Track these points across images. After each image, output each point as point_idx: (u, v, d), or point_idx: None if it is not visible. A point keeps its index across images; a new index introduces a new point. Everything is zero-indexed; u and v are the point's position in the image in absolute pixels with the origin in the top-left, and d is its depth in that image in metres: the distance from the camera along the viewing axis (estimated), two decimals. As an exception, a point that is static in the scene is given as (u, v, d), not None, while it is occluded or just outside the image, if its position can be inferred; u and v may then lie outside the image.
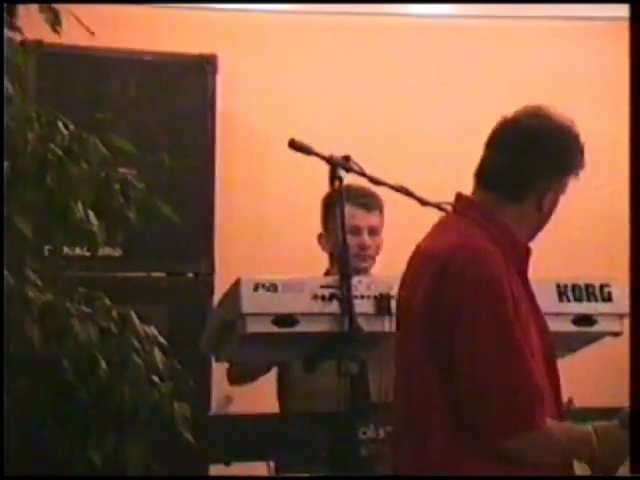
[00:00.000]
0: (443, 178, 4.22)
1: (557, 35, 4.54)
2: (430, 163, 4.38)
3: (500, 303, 2.10)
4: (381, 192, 3.16)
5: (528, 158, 2.15)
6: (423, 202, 2.80)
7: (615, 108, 4.40)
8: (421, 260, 2.24)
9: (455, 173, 4.35)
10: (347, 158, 2.78)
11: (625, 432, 2.15)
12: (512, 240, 2.18)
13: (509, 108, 4.58)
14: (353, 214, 3.15)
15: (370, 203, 3.24)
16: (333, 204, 3.03)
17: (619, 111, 4.37)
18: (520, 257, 2.20)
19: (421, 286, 2.18)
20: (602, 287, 2.70)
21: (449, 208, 2.76)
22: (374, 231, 3.27)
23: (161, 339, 2.50)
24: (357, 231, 3.22)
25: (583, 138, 2.22)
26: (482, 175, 2.24)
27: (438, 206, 2.80)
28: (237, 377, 3.25)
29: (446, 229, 2.25)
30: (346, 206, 2.97)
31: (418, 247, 2.28)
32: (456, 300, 2.11)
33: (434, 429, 2.13)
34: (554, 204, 2.20)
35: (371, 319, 2.67)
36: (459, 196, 2.29)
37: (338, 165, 2.75)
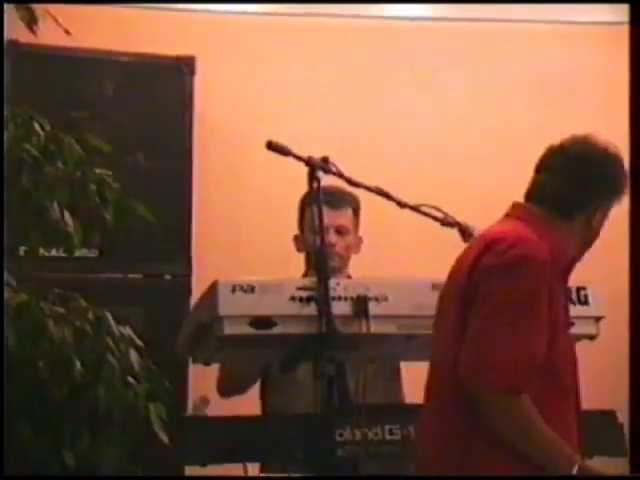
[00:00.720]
0: (421, 179, 4.25)
1: (533, 37, 4.55)
2: (407, 164, 4.39)
3: (536, 282, 2.22)
4: (359, 194, 3.16)
5: (579, 180, 2.33)
6: (401, 204, 2.81)
7: (591, 111, 4.43)
8: (472, 242, 2.41)
9: (432, 174, 4.41)
10: (325, 159, 2.78)
11: None
12: (561, 248, 2.31)
13: (482, 109, 4.62)
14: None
15: (336, 202, 3.23)
16: (308, 205, 3.04)
17: (596, 114, 4.42)
18: (566, 266, 2.34)
19: (467, 262, 2.32)
20: (579, 290, 2.71)
21: (426, 210, 2.79)
22: (342, 230, 3.26)
23: (137, 340, 2.48)
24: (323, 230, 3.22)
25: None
26: (534, 193, 2.40)
27: (416, 208, 2.81)
28: (227, 389, 3.24)
29: (502, 224, 2.38)
30: (312, 207, 2.98)
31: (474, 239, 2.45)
32: (491, 270, 2.25)
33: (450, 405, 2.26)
34: (601, 224, 2.37)
35: (348, 321, 2.66)
36: (516, 204, 2.42)
37: (316, 166, 2.75)
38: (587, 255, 2.43)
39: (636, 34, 2.95)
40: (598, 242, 2.43)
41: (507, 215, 2.41)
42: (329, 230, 3.23)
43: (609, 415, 2.79)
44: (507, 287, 2.22)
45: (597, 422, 2.40)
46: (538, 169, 2.41)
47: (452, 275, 2.40)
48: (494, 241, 2.30)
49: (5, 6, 2.57)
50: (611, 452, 2.71)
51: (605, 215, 2.38)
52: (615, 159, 2.37)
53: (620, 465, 2.78)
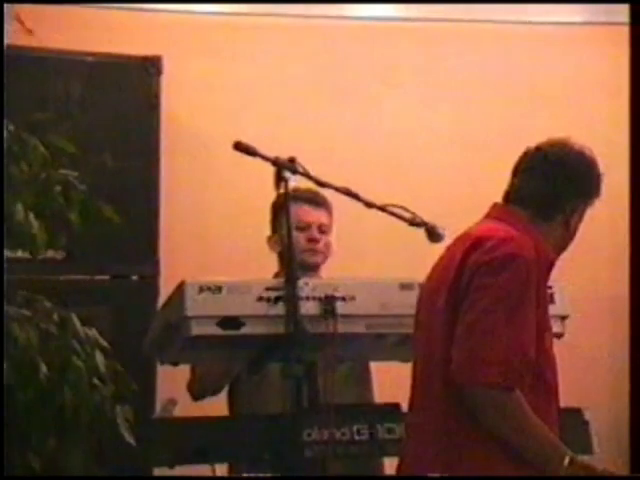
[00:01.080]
0: (389, 180, 4.25)
1: (501, 38, 4.57)
2: (375, 165, 4.39)
3: (525, 280, 2.26)
4: (327, 195, 3.16)
5: (557, 182, 2.38)
6: (368, 204, 2.81)
7: (558, 111, 4.46)
8: (457, 241, 2.40)
9: (401, 174, 4.41)
10: (292, 160, 2.77)
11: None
12: (543, 248, 2.34)
13: (453, 108, 4.63)
14: (302, 211, 3.18)
15: (318, 201, 3.26)
16: (281, 205, 3.04)
17: (563, 114, 4.44)
18: (546, 267, 2.36)
19: (453, 260, 2.33)
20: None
21: (394, 210, 2.79)
22: (323, 228, 3.28)
23: (103, 342, 2.47)
24: (306, 227, 3.24)
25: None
26: (513, 195, 2.43)
27: (383, 208, 2.82)
28: (199, 391, 3.23)
29: (484, 224, 2.41)
30: (295, 205, 2.98)
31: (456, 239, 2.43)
32: (480, 268, 2.27)
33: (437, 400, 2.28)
34: (577, 225, 2.42)
35: (316, 321, 2.66)
36: (496, 205, 2.45)
37: (284, 167, 2.75)
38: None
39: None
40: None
41: (488, 216, 2.44)
42: (312, 227, 3.25)
43: (576, 412, 2.81)
44: (499, 284, 2.25)
45: (564, 420, 2.41)
46: (516, 172, 2.45)
47: (435, 274, 2.41)
48: (482, 239, 2.32)
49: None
50: (578, 449, 2.72)
51: (581, 217, 2.43)
52: (591, 162, 2.43)
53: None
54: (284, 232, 3.15)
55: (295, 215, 3.02)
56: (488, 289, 2.25)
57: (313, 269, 3.23)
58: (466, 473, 2.25)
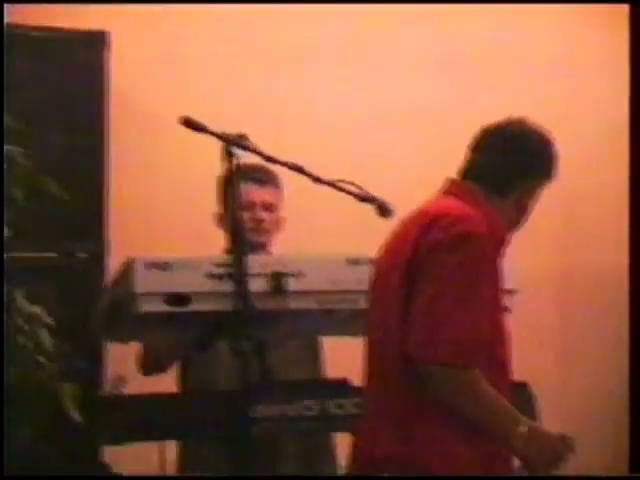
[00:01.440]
0: (339, 156, 4.24)
1: (454, 14, 4.55)
2: (325, 141, 4.38)
3: (481, 258, 2.27)
4: (276, 170, 3.15)
5: (513, 159, 2.40)
6: (317, 180, 2.80)
7: (508, 86, 4.47)
8: (413, 217, 2.39)
9: (350, 150, 4.41)
10: (241, 136, 2.75)
11: (562, 446, 2.31)
12: (497, 226, 2.36)
13: (401, 85, 4.62)
14: (247, 189, 3.16)
15: (264, 178, 3.24)
16: (227, 182, 3.02)
17: (512, 88, 4.46)
18: (499, 244, 2.37)
19: (409, 237, 2.33)
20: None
21: (343, 186, 2.79)
22: (269, 206, 3.27)
23: (48, 320, 2.44)
24: (251, 206, 3.22)
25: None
26: (469, 171, 2.44)
27: (333, 184, 2.81)
28: (148, 366, 3.21)
29: (441, 201, 2.41)
30: (239, 182, 2.96)
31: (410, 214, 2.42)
32: (436, 246, 2.28)
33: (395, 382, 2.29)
34: (531, 205, 2.43)
35: (265, 297, 2.66)
36: (452, 181, 2.45)
37: (231, 143, 2.73)
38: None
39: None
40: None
41: (443, 192, 2.44)
42: (256, 206, 3.23)
43: (522, 387, 2.84)
44: (455, 262, 2.26)
45: (512, 393, 2.44)
46: (473, 148, 2.46)
47: (392, 251, 2.40)
48: (438, 216, 2.32)
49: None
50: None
51: (535, 197, 2.44)
52: (548, 143, 2.44)
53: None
54: (229, 209, 3.14)
55: (240, 194, 3.00)
56: (444, 267, 2.26)
57: (259, 248, 3.22)
58: (420, 449, 2.26)
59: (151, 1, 4.27)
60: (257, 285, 2.65)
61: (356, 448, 2.41)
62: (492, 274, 2.30)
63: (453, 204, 2.36)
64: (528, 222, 2.49)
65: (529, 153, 2.41)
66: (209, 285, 2.63)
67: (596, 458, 4.20)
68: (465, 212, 2.33)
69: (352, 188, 2.81)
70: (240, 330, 2.60)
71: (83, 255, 3.90)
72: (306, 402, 2.75)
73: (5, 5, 3.28)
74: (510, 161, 2.40)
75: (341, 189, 2.82)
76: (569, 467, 2.38)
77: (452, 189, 2.42)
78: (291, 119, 4.42)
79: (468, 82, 4.50)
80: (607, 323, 4.50)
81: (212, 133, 2.74)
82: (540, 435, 2.29)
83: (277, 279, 2.68)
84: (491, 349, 2.30)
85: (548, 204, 2.61)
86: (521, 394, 2.80)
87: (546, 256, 4.50)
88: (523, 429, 2.26)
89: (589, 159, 4.48)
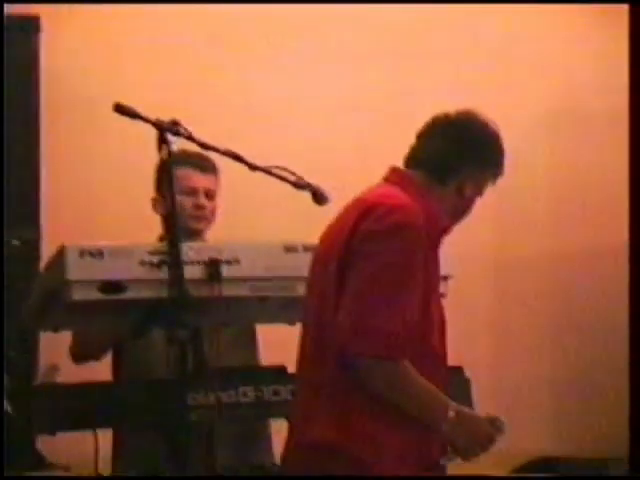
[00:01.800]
0: (274, 144, 4.24)
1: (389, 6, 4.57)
2: (261, 128, 4.37)
3: (412, 249, 2.27)
4: (211, 157, 3.14)
5: (453, 145, 2.39)
6: (253, 167, 2.80)
7: (442, 75, 4.50)
8: (351, 205, 2.39)
9: (287, 137, 4.40)
10: (175, 122, 2.74)
11: (489, 428, 2.32)
12: (434, 215, 2.35)
13: (342, 74, 4.61)
14: (189, 175, 3.15)
15: (205, 165, 3.23)
16: (164, 168, 2.99)
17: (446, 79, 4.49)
18: (438, 232, 2.38)
19: (345, 225, 2.34)
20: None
21: (279, 172, 2.79)
22: (210, 193, 3.25)
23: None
24: (193, 192, 3.21)
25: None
26: (412, 159, 2.44)
27: (268, 171, 2.81)
28: (81, 354, 3.18)
29: (380, 189, 2.41)
30: (182, 168, 2.95)
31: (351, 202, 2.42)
32: (370, 235, 2.28)
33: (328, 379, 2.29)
34: (473, 196, 2.43)
35: (201, 284, 2.65)
36: (393, 169, 2.44)
37: (166, 129, 2.71)
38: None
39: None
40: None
41: (385, 180, 2.44)
42: (199, 193, 3.22)
43: (457, 371, 2.87)
44: (385, 253, 2.26)
45: (447, 380, 2.46)
46: (418, 135, 2.46)
47: (328, 238, 2.41)
48: (373, 206, 2.32)
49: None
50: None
51: (477, 188, 2.42)
52: (493, 134, 2.44)
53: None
54: (165, 194, 3.12)
55: (182, 179, 3.00)
56: (375, 257, 2.26)
57: (197, 235, 3.21)
58: (354, 439, 2.27)
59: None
60: (192, 272, 2.64)
61: (290, 433, 2.41)
62: (426, 264, 2.31)
63: (391, 193, 2.37)
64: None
65: (470, 141, 2.40)
66: (144, 273, 2.61)
67: (528, 440, 4.26)
68: (401, 201, 2.33)
69: (287, 175, 2.81)
70: (175, 318, 2.59)
71: (17, 242, 3.86)
72: (242, 389, 2.75)
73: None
74: (450, 148, 2.39)
75: (276, 175, 2.82)
76: (498, 448, 2.41)
77: (393, 177, 2.42)
78: (227, 105, 4.41)
79: (412, 73, 4.51)
80: (541, 307, 4.56)
81: (145, 119, 2.71)
82: (469, 419, 2.31)
83: (212, 266, 2.67)
84: (426, 339, 2.32)
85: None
86: (456, 378, 2.83)
87: (481, 241, 4.54)
88: (452, 414, 2.28)
89: (521, 148, 4.53)
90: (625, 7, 4.21)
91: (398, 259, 2.26)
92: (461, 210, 2.44)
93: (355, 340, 2.23)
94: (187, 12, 4.40)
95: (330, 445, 2.27)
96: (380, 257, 2.26)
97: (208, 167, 3.23)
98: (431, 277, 2.34)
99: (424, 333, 2.31)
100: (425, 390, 2.29)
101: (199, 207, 3.20)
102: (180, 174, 2.82)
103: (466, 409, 2.35)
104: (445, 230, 2.42)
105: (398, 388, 2.26)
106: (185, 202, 3.15)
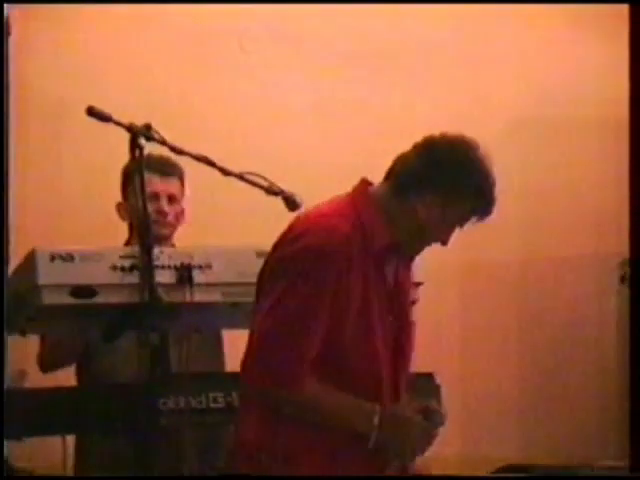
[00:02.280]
0: (248, 149, 4.23)
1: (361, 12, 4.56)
2: (234, 133, 4.36)
3: (317, 276, 2.20)
4: (184, 162, 3.12)
5: (424, 161, 2.28)
6: (225, 172, 2.79)
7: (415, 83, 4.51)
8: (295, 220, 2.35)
9: (261, 143, 4.39)
10: (148, 127, 2.73)
11: (424, 423, 2.26)
12: (375, 232, 2.27)
13: (318, 76, 4.60)
14: (151, 181, 3.13)
15: (168, 170, 3.21)
16: (132, 172, 2.98)
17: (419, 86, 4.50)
18: (379, 249, 2.28)
19: (273, 247, 2.32)
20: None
21: (251, 178, 2.78)
22: (173, 198, 3.24)
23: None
24: (155, 197, 3.19)
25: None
26: (388, 170, 2.36)
27: (240, 176, 2.81)
28: (50, 363, 3.15)
29: (327, 203, 2.34)
30: (143, 172, 2.92)
31: None
32: (278, 264, 2.25)
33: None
34: (436, 221, 2.29)
35: (172, 289, 2.64)
36: (360, 180, 2.38)
37: (139, 133, 2.70)
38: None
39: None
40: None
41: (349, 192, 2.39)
42: (161, 198, 3.21)
43: (428, 377, 2.88)
44: (285, 285, 2.22)
45: (417, 384, 2.47)
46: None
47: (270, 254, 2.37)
48: (291, 228, 2.28)
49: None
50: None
51: (440, 214, 2.29)
52: (474, 164, 2.29)
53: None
54: (133, 200, 3.11)
55: (141, 184, 2.97)
56: (279, 285, 2.23)
57: (162, 240, 3.19)
58: (282, 448, 2.25)
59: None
60: (164, 277, 2.63)
61: (236, 444, 2.40)
62: (343, 287, 2.21)
63: (328, 209, 2.29)
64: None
65: (440, 165, 2.27)
66: (114, 277, 2.61)
67: (497, 445, 4.29)
68: (323, 221, 2.24)
69: (260, 180, 2.81)
70: (146, 322, 2.58)
71: (-17, 246, 3.82)
72: (212, 394, 2.75)
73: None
74: (418, 166, 2.28)
75: (248, 181, 2.81)
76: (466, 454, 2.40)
77: (353, 189, 2.37)
78: (199, 111, 4.39)
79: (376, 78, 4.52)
80: (510, 313, 4.57)
81: (118, 123, 2.70)
82: (397, 421, 2.25)
83: (184, 271, 2.66)
84: (340, 366, 2.24)
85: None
86: (427, 384, 2.84)
87: (450, 249, 4.55)
88: (376, 421, 2.23)
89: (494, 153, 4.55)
90: (602, 9, 4.24)
91: (298, 291, 2.20)
92: (416, 231, 2.31)
93: (246, 371, 2.23)
94: (160, 13, 4.38)
95: (262, 444, 2.26)
96: (279, 290, 2.22)
97: (170, 172, 3.22)
98: (355, 298, 2.24)
99: (339, 360, 2.24)
100: (340, 405, 2.24)
101: (160, 212, 3.19)
102: (137, 180, 2.80)
103: (394, 411, 2.26)
104: (392, 247, 2.30)
105: (299, 409, 2.23)
106: (141, 205, 3.13)
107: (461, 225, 2.35)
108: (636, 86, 2.54)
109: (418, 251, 2.38)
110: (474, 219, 2.34)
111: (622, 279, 4.39)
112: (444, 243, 2.37)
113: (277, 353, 2.20)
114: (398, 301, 2.36)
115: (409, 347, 2.38)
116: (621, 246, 4.39)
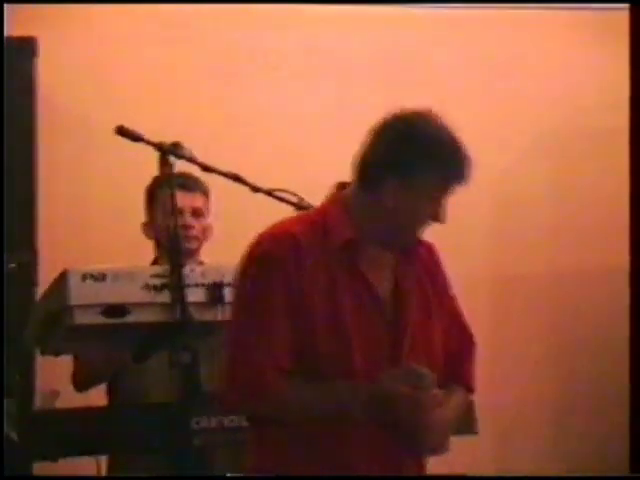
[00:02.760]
0: (276, 166, 4.22)
1: (381, 20, 4.55)
2: (265, 150, 4.34)
3: (266, 284, 2.13)
4: (212, 179, 3.12)
5: (380, 147, 2.14)
6: (255, 189, 2.79)
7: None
8: None
9: (291, 159, 4.38)
10: (177, 144, 2.73)
11: (411, 391, 2.10)
12: (334, 229, 2.18)
13: (337, 92, 4.60)
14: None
15: (190, 184, 3.20)
16: (158, 190, 2.98)
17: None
18: (342, 247, 2.18)
19: None
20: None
21: (282, 195, 2.77)
22: (197, 212, 3.23)
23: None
24: (179, 212, 3.18)
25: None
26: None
27: (270, 193, 2.80)
28: (84, 382, 3.15)
29: (300, 214, 2.36)
30: (167, 189, 2.92)
31: None
32: (236, 274, 2.22)
33: None
34: (409, 204, 2.15)
35: (203, 308, 2.63)
36: (335, 184, 2.29)
37: (168, 152, 2.70)
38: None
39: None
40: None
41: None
42: (185, 212, 3.20)
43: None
44: (239, 295, 2.20)
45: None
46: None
47: None
48: (251, 244, 2.22)
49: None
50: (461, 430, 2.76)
51: (411, 195, 2.14)
52: (425, 134, 2.12)
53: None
54: (158, 218, 3.10)
55: (167, 200, 2.97)
56: (234, 300, 2.22)
57: (189, 255, 3.18)
58: (259, 451, 2.22)
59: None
60: (195, 295, 2.63)
61: None
62: (297, 290, 2.12)
63: (291, 217, 2.27)
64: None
65: (393, 146, 2.11)
66: (146, 296, 2.60)
67: (528, 459, 4.26)
68: (275, 229, 2.18)
69: (290, 197, 2.80)
70: (178, 341, 2.57)
71: (13, 265, 3.83)
72: (244, 413, 2.73)
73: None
74: (371, 154, 2.13)
75: (279, 198, 2.80)
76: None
77: (329, 193, 2.28)
78: (229, 128, 4.38)
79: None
80: (539, 325, 4.54)
81: (148, 142, 2.70)
82: (383, 393, 2.10)
83: (215, 289, 2.65)
84: (312, 374, 2.15)
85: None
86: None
87: (479, 259, 4.53)
88: (363, 397, 2.10)
89: (522, 166, 4.53)
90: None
91: (249, 300, 2.15)
92: (393, 221, 2.16)
93: (223, 391, 2.18)
94: (179, 32, 4.37)
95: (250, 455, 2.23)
96: (235, 301, 2.20)
97: (193, 186, 3.21)
98: (318, 299, 2.14)
99: (309, 368, 2.15)
100: (321, 393, 2.14)
101: (185, 227, 3.18)
102: (164, 195, 2.80)
103: (379, 386, 2.10)
104: (348, 242, 2.17)
105: (279, 411, 2.16)
106: (171, 223, 3.13)
107: (442, 197, 2.17)
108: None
109: (407, 240, 2.22)
110: (453, 186, 2.17)
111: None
112: (436, 220, 2.19)
113: (239, 370, 2.15)
114: (397, 298, 2.22)
115: (415, 346, 2.23)
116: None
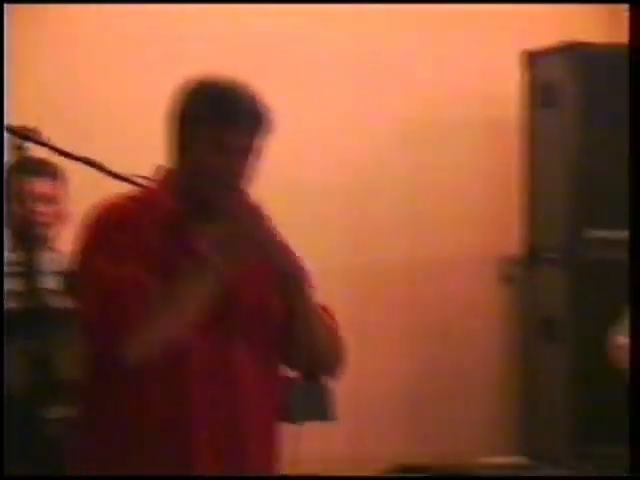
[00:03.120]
0: (143, 152, 4.12)
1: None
2: (127, 137, 4.26)
3: (103, 246, 2.12)
4: (70, 165, 3.05)
5: (176, 113, 2.20)
6: (114, 175, 2.74)
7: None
8: None
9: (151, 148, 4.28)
10: (32, 129, 2.66)
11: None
12: (157, 201, 2.20)
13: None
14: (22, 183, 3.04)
15: (39, 170, 3.13)
16: (8, 177, 2.91)
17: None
18: (168, 218, 2.19)
19: None
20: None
21: (139, 181, 2.73)
22: (47, 198, 3.17)
23: None
24: (28, 198, 3.10)
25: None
26: None
27: (127, 179, 2.75)
28: None
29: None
30: (15, 176, 2.85)
31: None
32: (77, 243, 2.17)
33: None
34: (205, 157, 2.17)
35: (57, 295, 2.59)
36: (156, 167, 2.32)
37: (21, 136, 2.63)
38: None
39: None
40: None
41: None
42: (34, 198, 3.12)
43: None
44: (83, 260, 2.16)
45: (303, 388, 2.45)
46: None
47: None
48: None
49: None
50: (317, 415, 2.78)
51: (209, 148, 2.16)
52: (196, 100, 2.19)
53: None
54: (12, 205, 3.03)
55: (15, 187, 2.90)
56: (79, 266, 2.16)
57: (42, 242, 3.10)
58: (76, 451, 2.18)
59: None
60: (51, 283, 2.58)
61: None
62: (122, 256, 2.11)
63: (118, 195, 2.26)
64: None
65: (187, 103, 2.18)
66: (-5, 283, 2.54)
67: (385, 446, 4.33)
68: (106, 204, 2.19)
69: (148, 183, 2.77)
70: (30, 329, 2.53)
71: None
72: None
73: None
74: (173, 118, 2.21)
75: (136, 184, 2.76)
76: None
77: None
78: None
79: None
80: (395, 313, 4.60)
81: (7, 128, 2.63)
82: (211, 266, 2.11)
83: (68, 277, 2.61)
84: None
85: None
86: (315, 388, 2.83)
87: (336, 246, 4.57)
88: (202, 265, 2.11)
89: (381, 156, 4.58)
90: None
91: (96, 246, 2.13)
92: (196, 181, 2.18)
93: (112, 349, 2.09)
94: (156, 37, 4.25)
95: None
96: (82, 265, 2.16)
97: (42, 171, 3.14)
98: (170, 260, 2.13)
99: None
100: (170, 287, 2.11)
101: (33, 213, 3.10)
102: (15, 182, 2.73)
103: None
104: (171, 214, 2.19)
105: (156, 339, 2.08)
106: (19, 209, 3.05)
107: (227, 147, 2.19)
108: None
109: (219, 202, 2.19)
110: (232, 131, 2.19)
111: (505, 277, 4.49)
112: (231, 174, 2.19)
113: (100, 321, 2.10)
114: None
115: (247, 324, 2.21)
116: (503, 245, 4.50)
